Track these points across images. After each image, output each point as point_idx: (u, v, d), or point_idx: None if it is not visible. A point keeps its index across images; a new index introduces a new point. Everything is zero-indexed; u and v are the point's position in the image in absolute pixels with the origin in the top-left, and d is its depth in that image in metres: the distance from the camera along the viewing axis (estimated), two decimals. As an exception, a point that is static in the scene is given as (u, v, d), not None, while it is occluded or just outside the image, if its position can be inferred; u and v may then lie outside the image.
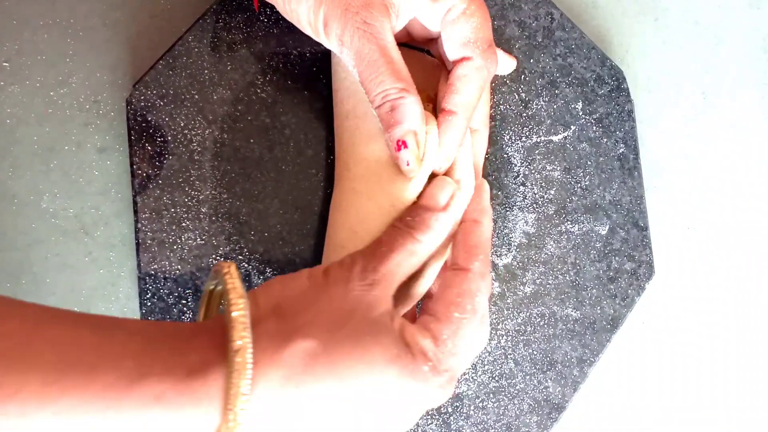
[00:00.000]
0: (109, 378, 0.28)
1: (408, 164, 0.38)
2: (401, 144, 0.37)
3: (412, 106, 0.37)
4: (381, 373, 0.31)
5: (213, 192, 0.44)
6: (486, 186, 0.40)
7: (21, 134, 0.45)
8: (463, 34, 0.39)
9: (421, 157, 0.38)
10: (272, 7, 0.45)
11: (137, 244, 0.43)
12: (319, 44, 0.46)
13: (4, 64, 0.45)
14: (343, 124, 0.42)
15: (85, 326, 0.29)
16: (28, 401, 0.26)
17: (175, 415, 0.28)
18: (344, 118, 0.42)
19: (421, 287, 0.38)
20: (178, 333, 0.31)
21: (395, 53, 0.37)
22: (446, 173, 0.40)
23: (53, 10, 0.46)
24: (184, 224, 0.44)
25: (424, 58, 0.44)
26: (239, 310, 0.30)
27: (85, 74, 0.46)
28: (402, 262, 0.35)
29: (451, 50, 0.40)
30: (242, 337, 0.29)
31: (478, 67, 0.39)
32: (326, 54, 0.46)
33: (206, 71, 0.45)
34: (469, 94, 0.39)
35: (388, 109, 0.37)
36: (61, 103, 0.45)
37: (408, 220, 0.36)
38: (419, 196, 0.39)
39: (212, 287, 0.34)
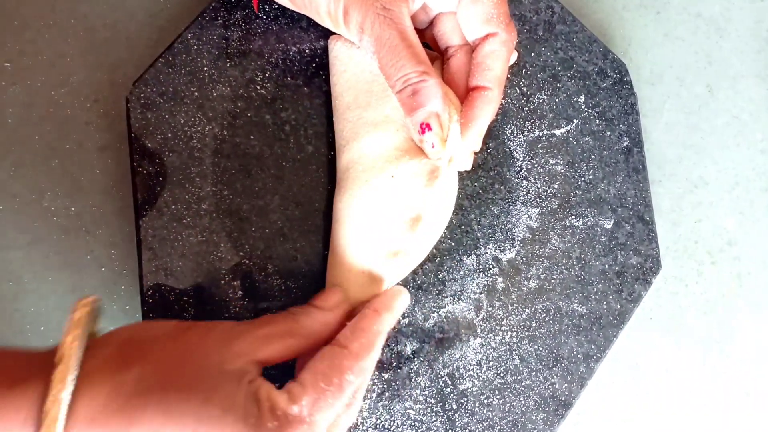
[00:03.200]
0: None
1: (433, 146, 0.38)
2: (425, 127, 0.37)
3: (433, 88, 0.37)
4: (217, 419, 0.30)
5: (213, 189, 0.44)
6: (403, 295, 0.40)
7: (22, 134, 0.45)
8: (485, 10, 0.39)
9: (446, 138, 0.38)
10: (271, 4, 0.45)
11: (138, 242, 0.43)
12: (318, 41, 0.46)
13: (6, 64, 0.45)
14: (344, 116, 0.42)
15: None
16: None
17: None
18: (345, 110, 0.42)
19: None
20: (13, 355, 0.31)
21: (414, 38, 0.38)
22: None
23: (54, 11, 0.46)
24: (185, 221, 0.44)
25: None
26: (72, 329, 0.31)
27: (85, 74, 0.46)
28: (275, 336, 0.34)
29: (472, 29, 0.40)
30: (68, 348, 0.30)
31: (504, 41, 0.40)
32: (325, 50, 0.46)
33: (206, 68, 0.45)
34: (500, 68, 0.40)
35: (410, 93, 0.37)
36: (62, 103, 0.46)
37: (294, 308, 0.37)
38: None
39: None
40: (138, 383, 0.30)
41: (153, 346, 0.32)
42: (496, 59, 0.40)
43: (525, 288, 0.48)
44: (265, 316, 0.36)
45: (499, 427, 0.46)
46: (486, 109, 0.40)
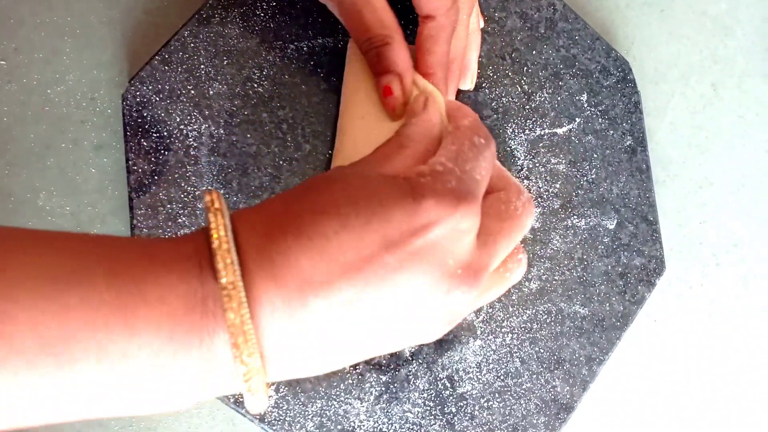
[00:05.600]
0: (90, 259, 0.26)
1: (394, 110, 0.39)
2: (387, 90, 0.38)
3: (396, 52, 0.38)
4: (369, 196, 0.28)
5: (209, 187, 0.44)
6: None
7: (17, 132, 0.45)
8: None
9: (407, 101, 0.38)
10: (269, 1, 0.45)
11: (133, 241, 0.42)
12: (315, 38, 0.46)
13: (1, 62, 0.45)
14: (356, 124, 0.41)
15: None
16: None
17: (170, 267, 0.27)
18: (358, 118, 0.41)
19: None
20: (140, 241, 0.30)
21: (378, 1, 0.38)
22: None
23: (50, 8, 0.46)
24: (180, 220, 0.43)
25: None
26: (207, 195, 0.29)
27: (81, 72, 0.46)
28: (391, 153, 0.33)
29: (419, 7, 0.40)
30: (213, 196, 0.28)
31: (441, 26, 0.40)
32: (323, 47, 0.45)
33: (202, 66, 0.44)
34: (440, 52, 0.40)
35: (375, 56, 0.38)
36: (57, 101, 0.45)
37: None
38: None
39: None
40: (285, 205, 0.29)
41: (278, 194, 0.31)
42: (435, 43, 0.40)
43: (526, 289, 0.47)
44: None
45: (499, 431, 0.45)
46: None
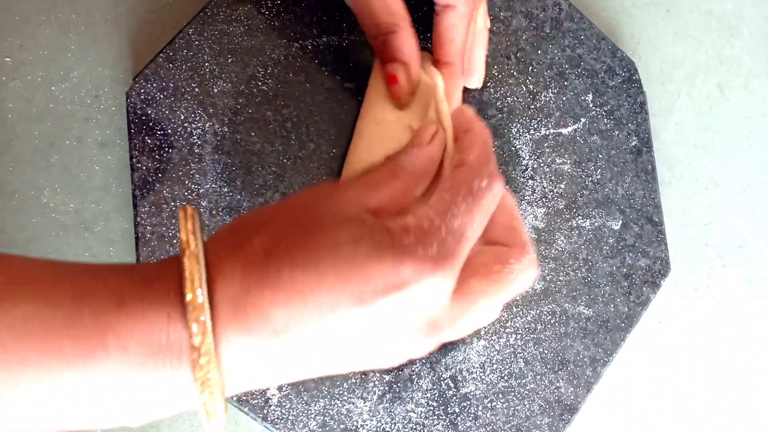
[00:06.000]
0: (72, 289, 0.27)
1: (399, 98, 0.38)
2: (392, 78, 0.38)
3: (403, 39, 0.37)
4: (350, 255, 0.28)
5: (213, 185, 0.44)
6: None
7: (22, 129, 0.45)
8: None
9: (413, 90, 0.38)
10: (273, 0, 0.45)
11: (137, 238, 0.42)
12: (320, 37, 0.45)
13: (6, 59, 0.45)
14: (371, 128, 0.41)
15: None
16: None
17: (136, 314, 0.27)
18: (374, 122, 0.41)
19: None
20: (135, 266, 0.31)
21: None
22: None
23: (55, 6, 0.46)
24: (183, 218, 0.43)
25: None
26: (187, 218, 0.29)
27: (86, 69, 0.46)
28: (380, 181, 0.32)
29: None
30: (189, 235, 0.28)
31: (463, 15, 0.40)
32: (328, 46, 0.45)
33: (207, 64, 0.44)
34: (460, 42, 0.40)
35: (381, 44, 0.38)
36: (62, 98, 0.45)
37: (393, 153, 0.35)
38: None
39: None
40: (265, 252, 0.28)
41: (260, 219, 0.30)
42: (456, 33, 0.40)
43: (530, 289, 0.47)
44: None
45: (502, 432, 0.45)
46: (453, 83, 0.40)
